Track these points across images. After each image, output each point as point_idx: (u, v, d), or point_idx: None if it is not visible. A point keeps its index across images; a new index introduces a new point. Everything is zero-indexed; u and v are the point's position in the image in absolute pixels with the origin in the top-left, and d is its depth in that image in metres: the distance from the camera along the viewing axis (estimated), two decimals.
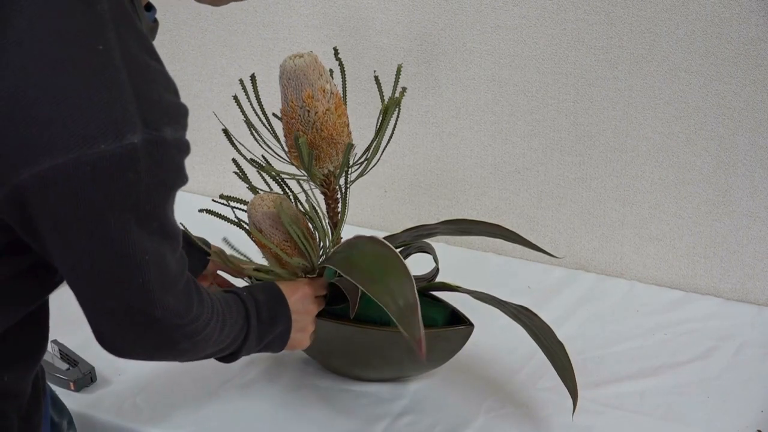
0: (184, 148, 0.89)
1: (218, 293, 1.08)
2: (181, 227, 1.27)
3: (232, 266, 1.29)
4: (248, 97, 1.29)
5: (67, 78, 0.80)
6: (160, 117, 0.84)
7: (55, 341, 1.38)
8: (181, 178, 0.90)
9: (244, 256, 1.31)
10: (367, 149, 1.27)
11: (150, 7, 0.99)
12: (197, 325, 0.97)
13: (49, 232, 0.84)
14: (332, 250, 1.25)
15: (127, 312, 0.91)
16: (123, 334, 0.94)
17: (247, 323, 1.09)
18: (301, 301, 1.17)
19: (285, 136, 1.24)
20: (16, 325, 0.96)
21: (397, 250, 1.33)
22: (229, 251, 1.32)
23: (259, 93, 1.28)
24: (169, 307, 0.92)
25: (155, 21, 0.99)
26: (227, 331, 1.04)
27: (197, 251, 1.28)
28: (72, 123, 0.79)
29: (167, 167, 0.86)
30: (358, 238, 1.22)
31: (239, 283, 1.36)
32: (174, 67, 1.95)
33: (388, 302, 1.07)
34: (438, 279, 1.31)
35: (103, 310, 0.91)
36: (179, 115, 0.89)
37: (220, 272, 1.35)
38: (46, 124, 0.79)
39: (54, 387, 1.29)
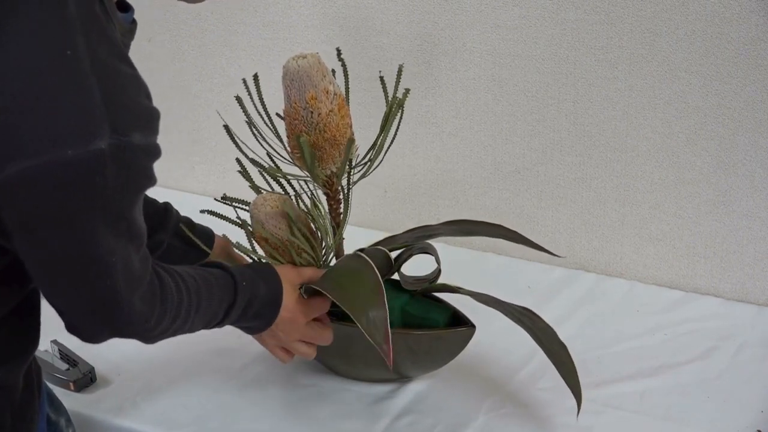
0: (153, 153, 0.90)
1: (212, 273, 1.09)
2: (182, 228, 1.29)
3: (237, 263, 1.29)
4: (251, 97, 1.29)
5: (36, 84, 0.81)
6: (129, 122, 0.85)
7: (54, 341, 1.38)
8: (148, 181, 0.91)
9: (252, 251, 1.30)
10: (370, 149, 1.27)
11: (127, 8, 0.98)
12: (162, 326, 1.00)
13: (18, 235, 0.86)
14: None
15: (95, 312, 0.93)
16: (92, 329, 0.96)
17: (226, 314, 1.10)
18: (290, 322, 1.17)
19: (288, 136, 1.25)
20: (3, 319, 0.97)
21: (398, 252, 1.34)
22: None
23: (261, 93, 1.28)
24: (136, 309, 0.94)
25: (133, 22, 0.99)
26: (199, 319, 1.06)
27: (200, 239, 1.30)
28: (40, 128, 0.80)
29: (135, 171, 0.87)
30: (343, 259, 1.24)
31: None
32: (174, 67, 1.95)
33: (360, 315, 1.10)
34: (439, 280, 1.31)
35: (72, 310, 0.93)
36: (150, 119, 0.89)
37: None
38: (14, 130, 0.80)
39: (54, 387, 1.29)
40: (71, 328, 0.96)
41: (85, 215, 0.85)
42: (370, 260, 1.19)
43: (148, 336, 1.00)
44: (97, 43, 0.85)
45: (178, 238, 1.29)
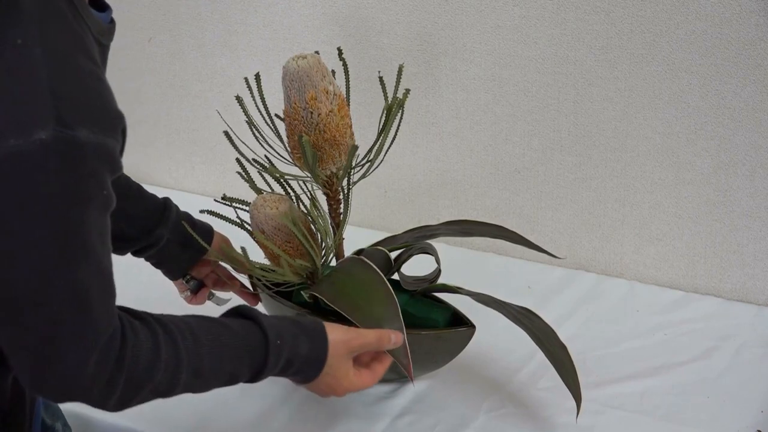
0: (106, 157, 0.82)
1: (236, 330, 0.95)
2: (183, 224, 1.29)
3: (234, 263, 1.29)
4: (253, 97, 1.29)
5: None
6: (78, 117, 0.79)
7: None
8: (99, 190, 0.82)
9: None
10: (370, 150, 1.27)
11: (104, 8, 0.95)
12: (118, 396, 0.86)
13: None
14: (324, 274, 1.25)
15: (28, 366, 0.81)
16: (30, 383, 0.83)
17: (255, 375, 0.98)
18: (331, 386, 1.04)
19: (288, 137, 1.25)
20: None
21: (398, 252, 1.34)
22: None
23: (263, 92, 1.28)
24: (85, 370, 0.81)
25: (112, 21, 0.95)
26: (201, 384, 0.94)
27: (199, 235, 1.27)
28: None
29: (81, 174, 0.79)
30: (345, 262, 1.23)
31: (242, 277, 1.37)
32: (174, 67, 1.95)
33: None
34: (439, 280, 1.31)
35: (9, 351, 0.82)
36: (105, 119, 0.83)
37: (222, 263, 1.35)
38: None
39: None
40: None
41: (23, 222, 0.77)
42: (378, 270, 1.17)
43: (101, 404, 0.86)
44: (56, 35, 0.81)
45: (177, 234, 1.29)
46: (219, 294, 1.40)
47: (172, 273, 1.34)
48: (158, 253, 1.29)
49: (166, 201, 1.30)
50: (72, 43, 0.83)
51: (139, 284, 1.40)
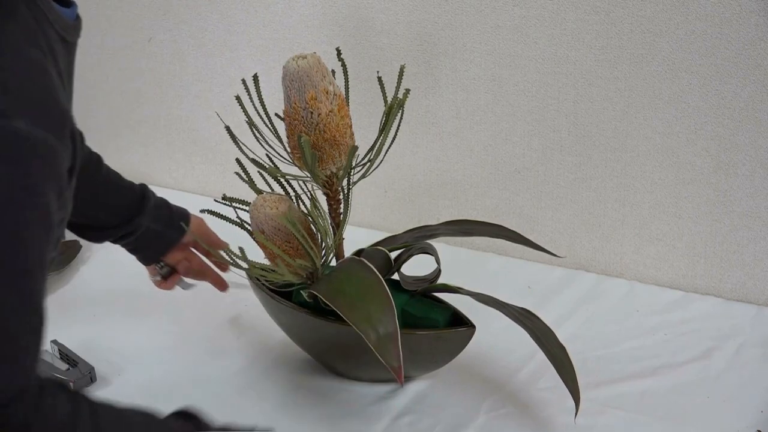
0: (47, 155, 0.75)
1: (171, 425, 0.90)
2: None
3: (212, 245, 1.31)
4: (251, 98, 1.29)
5: None
6: (17, 106, 0.74)
7: (54, 341, 1.39)
8: (38, 196, 0.73)
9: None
10: (370, 150, 1.27)
11: (69, 4, 0.91)
12: None
13: None
14: (323, 273, 1.26)
15: None
16: None
17: None
18: None
19: (288, 137, 1.25)
20: None
21: (398, 252, 1.34)
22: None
23: (261, 93, 1.28)
24: None
25: (77, 18, 0.92)
26: None
27: (177, 220, 1.31)
28: None
29: (17, 170, 0.72)
30: (344, 262, 1.23)
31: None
32: (174, 67, 1.95)
33: (368, 330, 1.09)
34: (439, 280, 1.31)
35: None
36: (49, 114, 0.77)
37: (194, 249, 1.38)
38: None
39: None
40: None
41: None
42: (377, 272, 1.17)
43: None
44: (4, 25, 0.78)
45: (155, 221, 1.32)
46: (186, 279, 1.43)
47: (146, 259, 1.37)
48: (136, 240, 1.32)
49: (144, 189, 1.33)
50: (19, 34, 0.79)
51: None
